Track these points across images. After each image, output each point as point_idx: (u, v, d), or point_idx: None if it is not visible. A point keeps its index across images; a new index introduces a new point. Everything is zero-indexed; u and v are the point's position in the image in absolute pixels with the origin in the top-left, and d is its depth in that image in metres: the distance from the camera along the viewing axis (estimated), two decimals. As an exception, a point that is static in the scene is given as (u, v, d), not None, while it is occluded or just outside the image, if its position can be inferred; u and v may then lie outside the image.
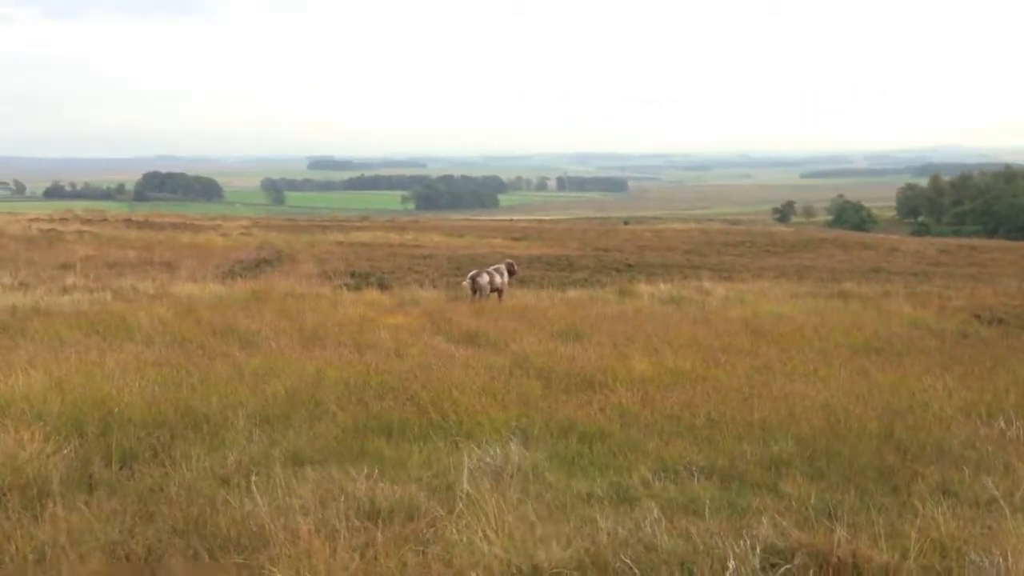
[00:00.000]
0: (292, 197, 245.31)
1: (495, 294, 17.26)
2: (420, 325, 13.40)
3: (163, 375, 8.98)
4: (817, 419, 7.89)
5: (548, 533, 5.24)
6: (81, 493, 5.97)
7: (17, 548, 5.01)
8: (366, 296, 16.92)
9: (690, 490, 6.27)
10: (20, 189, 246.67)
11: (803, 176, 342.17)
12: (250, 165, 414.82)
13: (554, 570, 4.79)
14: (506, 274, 17.78)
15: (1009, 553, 4.85)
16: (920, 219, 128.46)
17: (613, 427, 7.73)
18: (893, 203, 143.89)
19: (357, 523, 5.41)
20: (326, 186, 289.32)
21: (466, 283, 17.29)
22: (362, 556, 4.89)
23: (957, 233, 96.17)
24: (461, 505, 5.49)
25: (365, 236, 41.40)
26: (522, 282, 21.48)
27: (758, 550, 5.09)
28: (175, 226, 42.86)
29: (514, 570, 4.80)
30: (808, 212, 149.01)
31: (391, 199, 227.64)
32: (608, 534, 5.33)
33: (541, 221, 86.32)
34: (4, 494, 5.77)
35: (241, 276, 20.99)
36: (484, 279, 17.07)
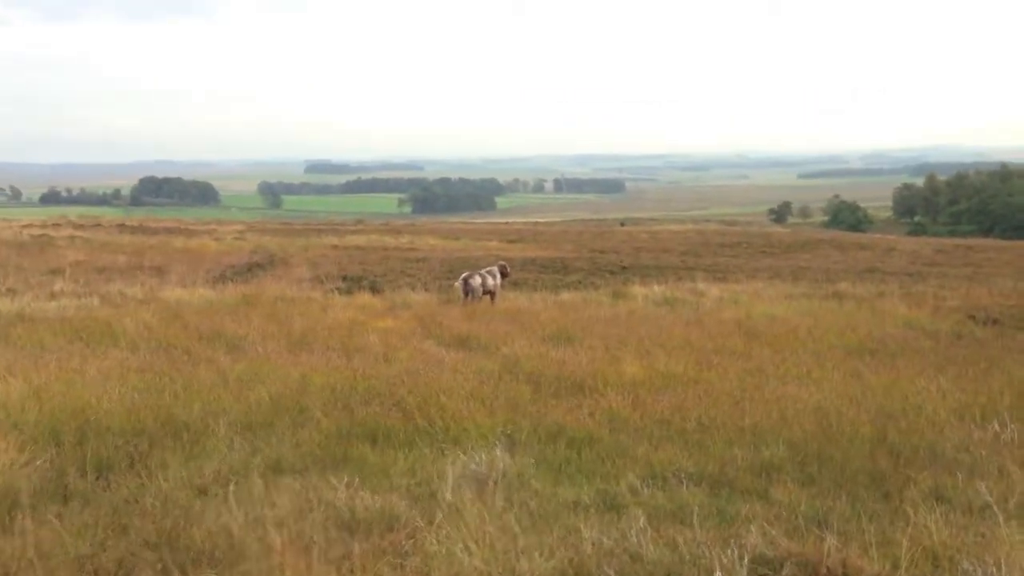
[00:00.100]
0: (289, 201, 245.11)
1: (487, 296, 17.13)
2: (410, 329, 13.27)
3: (145, 382, 8.85)
4: (809, 423, 7.76)
5: (531, 543, 5.11)
6: (54, 505, 5.85)
7: (-19, 563, 4.87)
8: (357, 300, 16.78)
9: (679, 497, 6.14)
10: (16, 195, 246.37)
11: (800, 176, 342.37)
12: (247, 169, 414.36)
13: (535, 582, 4.67)
14: (499, 276, 17.65)
15: (1003, 562, 4.74)
16: (916, 219, 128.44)
17: (602, 432, 7.60)
18: (889, 203, 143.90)
19: (335, 534, 5.28)
20: (323, 190, 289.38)
21: (458, 285, 17.17)
22: (338, 570, 4.77)
23: (953, 232, 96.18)
24: (442, 515, 5.36)
25: (360, 240, 41.26)
26: (515, 284, 21.36)
27: (746, 560, 4.98)
28: (169, 231, 42.70)
29: (494, 583, 4.68)
30: (805, 213, 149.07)
31: (388, 202, 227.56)
32: (593, 544, 5.21)
33: (537, 223, 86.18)
34: (-27, 507, 5.64)
35: (232, 280, 20.84)
36: (476, 281, 16.94)
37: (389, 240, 41.76)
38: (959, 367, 10.37)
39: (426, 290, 19.72)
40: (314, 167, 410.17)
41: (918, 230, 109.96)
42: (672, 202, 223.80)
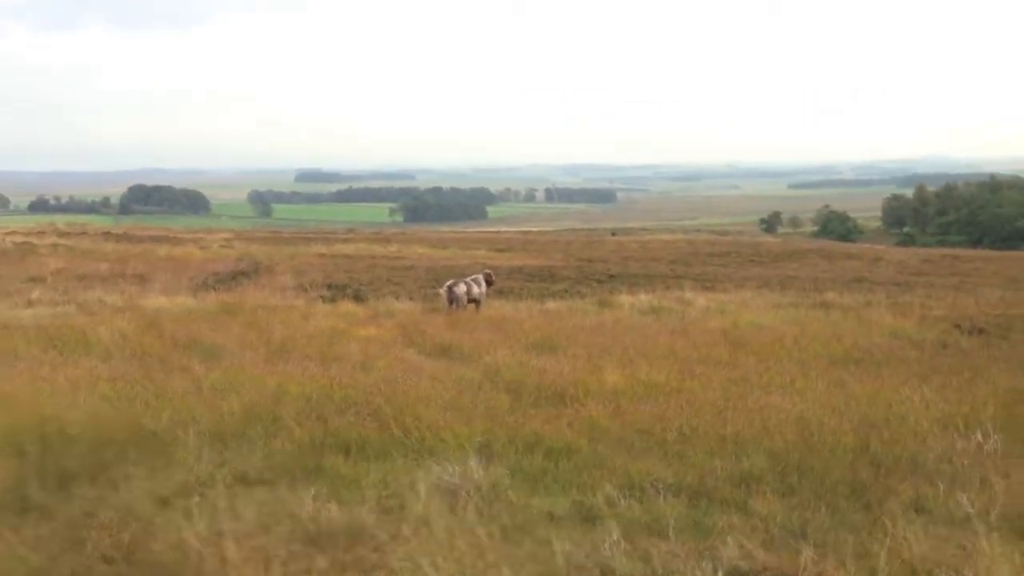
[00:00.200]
0: (279, 209, 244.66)
1: (472, 305, 16.99)
2: (392, 337, 13.13)
3: (116, 391, 8.69)
4: (791, 432, 7.63)
5: (500, 557, 4.95)
6: (12, 517, 5.66)
7: (-74, 581, 4.71)
8: (340, 308, 16.64)
9: (656, 509, 6.02)
10: (4, 203, 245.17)
11: (790, 187, 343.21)
12: (238, 177, 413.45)
13: (502, 598, 4.52)
14: (484, 284, 17.51)
15: (983, 576, 4.61)
16: (905, 229, 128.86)
17: (581, 442, 7.45)
18: (879, 213, 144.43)
19: (299, 548, 5.13)
20: (314, 198, 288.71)
21: (442, 292, 17.03)
22: (297, 585, 4.61)
23: (942, 243, 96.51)
24: (409, 528, 5.20)
25: (348, 248, 41.09)
26: (501, 293, 21.24)
27: (721, 573, 4.87)
28: (154, 239, 42.49)
29: (459, 599, 4.54)
30: (795, 223, 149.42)
31: (379, 211, 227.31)
32: (564, 557, 5.07)
33: (527, 232, 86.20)
34: (-74, 521, 5.46)
35: (215, 289, 20.68)
36: (461, 289, 16.80)
37: (377, 249, 41.60)
38: (944, 376, 10.27)
39: (411, 299, 19.57)
40: (305, 176, 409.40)
41: (907, 240, 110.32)
42: (663, 212, 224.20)
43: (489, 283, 17.92)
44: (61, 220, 78.81)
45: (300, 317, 14.85)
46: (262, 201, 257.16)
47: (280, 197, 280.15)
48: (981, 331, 14.78)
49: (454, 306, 16.56)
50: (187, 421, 7.67)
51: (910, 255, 47.99)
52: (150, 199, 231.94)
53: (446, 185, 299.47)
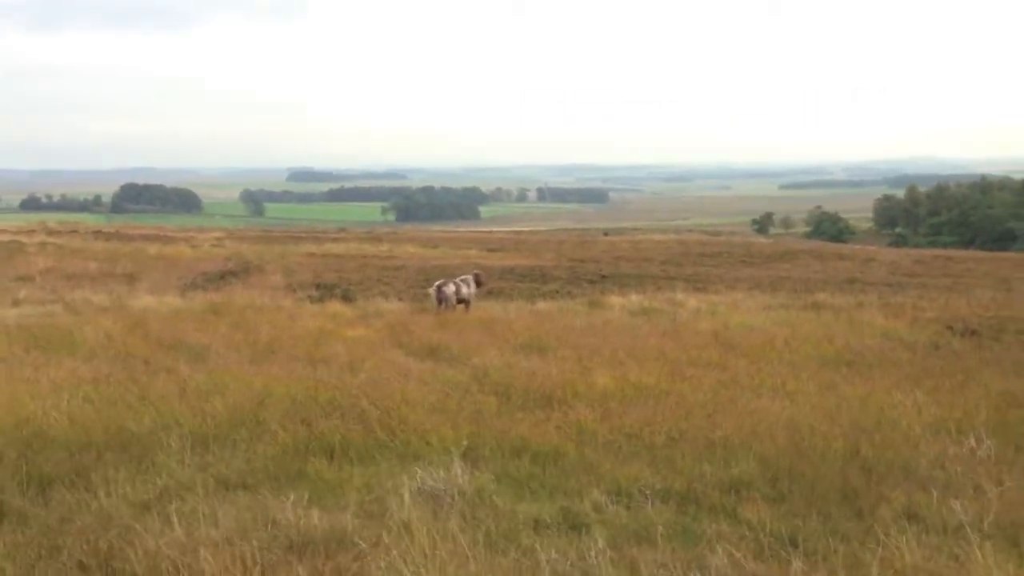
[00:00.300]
0: (272, 209, 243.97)
1: (461, 305, 16.87)
2: (380, 338, 13.00)
3: (98, 392, 8.57)
4: (782, 437, 7.54)
5: (483, 567, 4.88)
6: (-12, 523, 5.56)
7: None
8: (328, 308, 16.50)
9: (644, 515, 5.93)
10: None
11: (782, 188, 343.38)
12: (230, 177, 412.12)
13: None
14: (473, 285, 17.38)
15: (976, 587, 4.52)
16: (897, 230, 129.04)
17: (568, 446, 7.36)
18: (871, 214, 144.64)
19: (278, 556, 5.03)
20: (306, 198, 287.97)
21: (431, 292, 16.91)
22: (275, 595, 4.50)
23: (933, 244, 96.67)
24: (387, 536, 5.10)
25: (339, 248, 40.91)
26: (492, 293, 21.12)
27: (710, 584, 4.76)
28: (145, 238, 42.25)
29: (440, 610, 4.43)
30: (787, 223, 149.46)
31: (371, 211, 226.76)
32: (549, 566, 4.97)
33: (519, 232, 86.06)
34: None
35: (204, 288, 20.54)
36: (450, 289, 16.68)
37: (368, 248, 41.43)
38: (936, 379, 10.19)
39: (400, 299, 19.45)
40: (297, 175, 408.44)
41: (899, 241, 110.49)
42: (655, 212, 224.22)
43: (479, 283, 17.80)
44: (52, 219, 78.32)
45: (287, 317, 14.72)
46: (254, 200, 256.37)
47: (272, 196, 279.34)
48: (973, 333, 14.72)
49: (443, 306, 16.44)
50: (170, 424, 7.58)
51: (902, 256, 47.99)
52: (142, 198, 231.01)
53: (438, 184, 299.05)
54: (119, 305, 15.61)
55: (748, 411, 8.55)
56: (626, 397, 9.05)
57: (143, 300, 16.60)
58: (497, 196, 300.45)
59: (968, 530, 5.33)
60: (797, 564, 4.92)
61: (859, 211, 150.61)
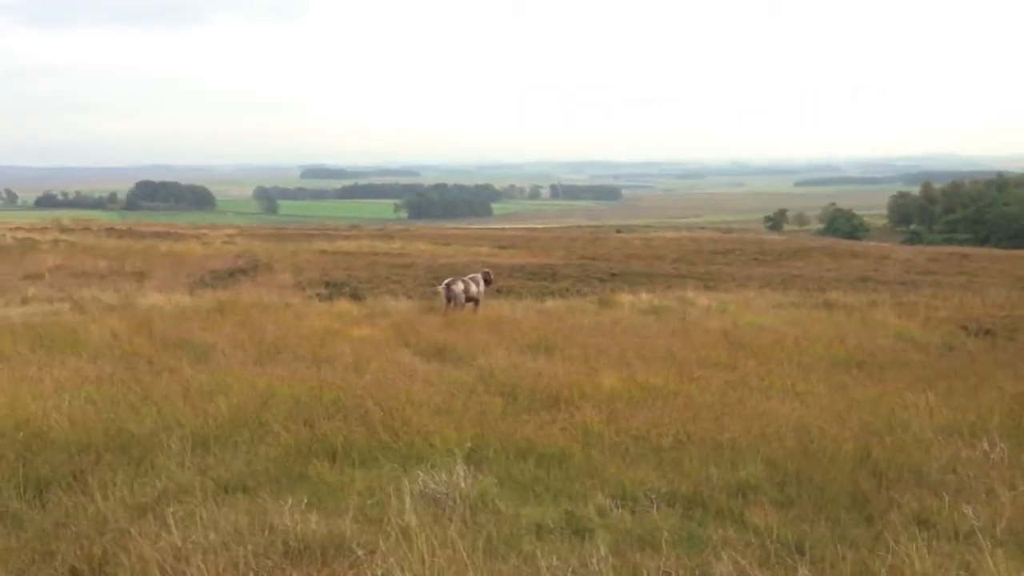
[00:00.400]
0: (285, 206, 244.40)
1: (470, 304, 16.78)
2: (386, 338, 12.92)
3: (101, 393, 8.51)
4: (790, 439, 7.42)
5: (482, 575, 4.76)
6: (-16, 527, 5.50)
7: None
8: (336, 307, 16.44)
9: (649, 520, 5.82)
10: (12, 199, 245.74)
11: (797, 184, 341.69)
12: (244, 174, 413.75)
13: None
14: (482, 283, 17.29)
15: (988, 597, 4.39)
16: (912, 227, 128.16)
17: (574, 449, 7.24)
18: (885, 211, 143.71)
19: (274, 562, 4.95)
20: (319, 194, 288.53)
21: (440, 290, 16.82)
22: (267, 603, 4.41)
23: (948, 241, 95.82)
24: (384, 543, 5.00)
25: (350, 245, 40.88)
26: (501, 292, 21.01)
27: (714, 592, 4.64)
28: (157, 235, 42.36)
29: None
30: (801, 220, 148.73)
31: (384, 208, 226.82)
32: (550, 574, 4.87)
33: (532, 229, 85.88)
34: None
35: (213, 286, 20.50)
36: (459, 287, 16.59)
37: (380, 245, 41.39)
38: (949, 381, 10.04)
39: (408, 297, 19.36)
40: (310, 172, 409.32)
41: (914, 239, 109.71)
42: (668, 209, 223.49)
43: (488, 282, 17.71)
44: (67, 216, 78.75)
45: (294, 316, 14.65)
46: (268, 198, 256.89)
47: (286, 194, 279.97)
48: (988, 332, 14.54)
49: (452, 304, 16.36)
50: (171, 425, 7.52)
51: (916, 253, 47.58)
52: (157, 195, 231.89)
53: (451, 181, 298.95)
54: (126, 303, 15.59)
55: (757, 413, 8.42)
56: (633, 398, 8.94)
57: (151, 298, 16.57)
58: (510, 193, 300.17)
59: (980, 536, 5.20)
60: (804, 572, 4.81)
61: (873, 208, 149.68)
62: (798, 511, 6.02)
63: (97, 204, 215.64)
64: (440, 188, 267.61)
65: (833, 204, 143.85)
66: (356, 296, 19.51)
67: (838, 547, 5.28)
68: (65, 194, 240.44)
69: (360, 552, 4.97)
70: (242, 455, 6.98)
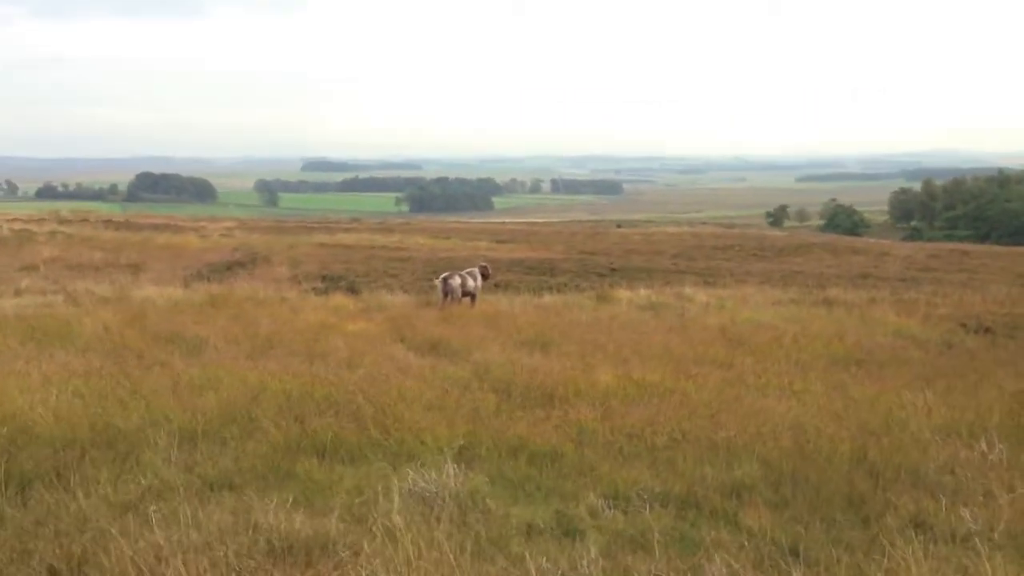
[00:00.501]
0: (286, 199, 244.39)
1: (467, 298, 16.65)
2: (381, 332, 12.81)
3: (89, 387, 8.39)
4: (786, 439, 7.32)
5: (469, 577, 4.66)
6: (-39, 525, 5.39)
7: None
8: (332, 301, 16.29)
9: (641, 521, 5.71)
10: (12, 190, 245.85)
11: (798, 180, 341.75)
12: (245, 166, 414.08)
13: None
14: (479, 277, 17.15)
15: (985, 604, 4.29)
16: (913, 223, 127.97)
17: (567, 447, 7.14)
18: (886, 207, 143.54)
19: (257, 562, 4.84)
20: (320, 187, 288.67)
21: (437, 283, 16.69)
22: (247, 606, 4.31)
23: (949, 238, 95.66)
24: (368, 544, 4.90)
25: (349, 238, 40.75)
26: (498, 286, 20.88)
27: (705, 596, 4.54)
28: (155, 227, 42.20)
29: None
30: (802, 216, 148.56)
31: (385, 201, 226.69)
32: (539, 576, 4.76)
33: (532, 224, 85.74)
34: None
35: (209, 279, 20.36)
36: (456, 281, 16.46)
37: (379, 239, 41.26)
38: (948, 379, 9.93)
39: (405, 291, 19.24)
40: (311, 165, 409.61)
41: (914, 235, 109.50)
42: (669, 204, 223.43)
43: (485, 276, 17.57)
44: (66, 207, 78.68)
45: (289, 310, 14.52)
46: (269, 190, 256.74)
47: (287, 186, 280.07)
48: (988, 330, 14.43)
49: (448, 299, 16.23)
50: (159, 420, 7.41)
51: (917, 250, 47.41)
52: (158, 187, 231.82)
53: (452, 175, 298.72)
54: (120, 296, 15.46)
55: (753, 411, 8.31)
56: (628, 396, 8.82)
57: (145, 291, 16.45)
58: (511, 187, 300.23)
59: (977, 540, 5.10)
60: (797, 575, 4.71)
61: (874, 204, 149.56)
62: (793, 512, 5.92)
63: (98, 196, 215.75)
64: (441, 182, 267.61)
65: (834, 200, 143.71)
66: (353, 290, 19.39)
67: (833, 550, 5.19)
68: (66, 185, 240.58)
69: (345, 553, 4.86)
70: (230, 451, 6.87)
